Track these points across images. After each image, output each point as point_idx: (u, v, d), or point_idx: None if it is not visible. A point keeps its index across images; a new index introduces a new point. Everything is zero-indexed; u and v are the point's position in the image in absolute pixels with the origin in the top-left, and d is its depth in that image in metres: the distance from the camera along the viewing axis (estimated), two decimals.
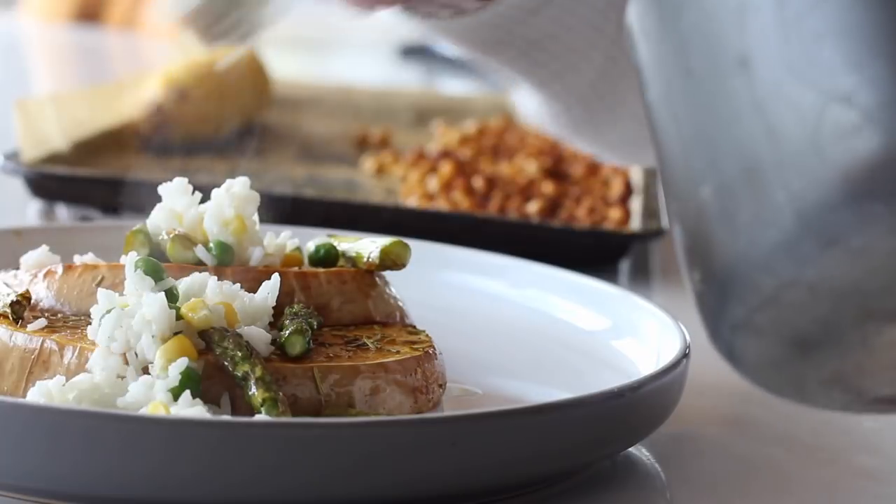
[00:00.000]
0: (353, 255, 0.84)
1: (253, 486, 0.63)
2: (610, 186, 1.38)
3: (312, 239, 0.87)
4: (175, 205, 0.82)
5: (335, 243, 0.86)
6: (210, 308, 0.73)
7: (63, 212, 1.22)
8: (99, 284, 0.78)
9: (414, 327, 0.84)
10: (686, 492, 0.76)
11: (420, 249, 0.93)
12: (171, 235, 0.80)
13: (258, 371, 0.70)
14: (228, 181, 0.83)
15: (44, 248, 0.84)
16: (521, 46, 1.02)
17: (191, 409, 0.67)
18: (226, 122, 1.53)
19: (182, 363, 0.69)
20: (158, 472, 0.62)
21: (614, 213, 1.27)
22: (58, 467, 0.63)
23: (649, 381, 0.73)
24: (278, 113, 1.69)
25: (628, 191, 1.36)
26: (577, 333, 0.92)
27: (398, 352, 0.78)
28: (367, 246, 0.84)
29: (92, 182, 1.21)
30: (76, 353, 0.72)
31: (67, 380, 0.69)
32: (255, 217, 0.83)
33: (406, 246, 0.84)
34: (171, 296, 0.74)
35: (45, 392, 0.69)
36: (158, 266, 0.76)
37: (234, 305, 0.75)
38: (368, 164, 1.47)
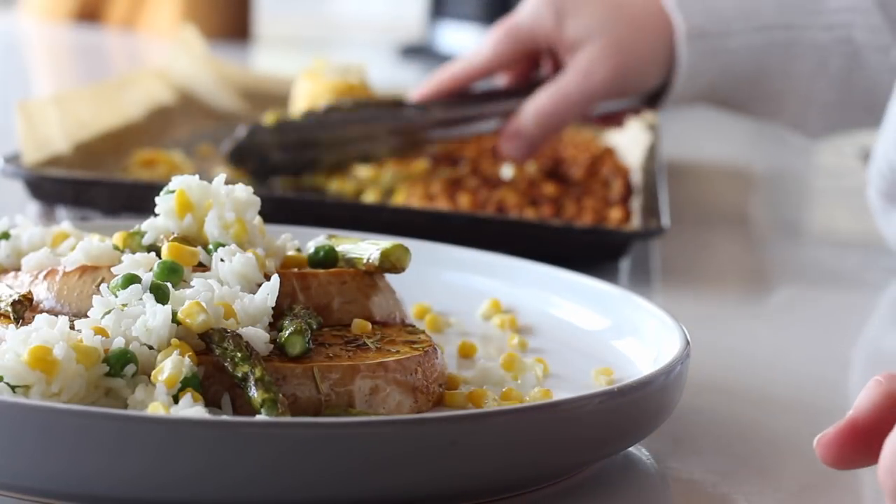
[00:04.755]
0: (353, 257, 0.84)
1: (253, 486, 0.63)
2: (610, 187, 1.38)
3: (312, 239, 0.87)
4: (174, 208, 0.82)
5: (335, 245, 0.86)
6: (208, 310, 0.73)
7: (63, 214, 1.22)
8: (99, 286, 0.78)
9: (414, 327, 0.84)
10: (686, 492, 0.76)
11: (420, 249, 0.93)
12: (170, 239, 0.80)
13: (258, 372, 0.70)
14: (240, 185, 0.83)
15: (45, 249, 0.84)
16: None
17: (190, 409, 0.67)
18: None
19: (181, 371, 0.69)
20: (158, 473, 0.62)
21: (615, 214, 1.27)
22: (56, 466, 0.63)
23: (649, 381, 0.73)
24: None
25: (628, 191, 1.36)
26: (577, 333, 0.92)
27: (398, 351, 0.78)
28: (366, 248, 0.85)
29: (91, 185, 1.22)
30: None
31: None
32: (257, 220, 0.83)
33: (406, 249, 0.84)
34: (164, 296, 0.74)
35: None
36: (178, 267, 0.76)
37: (233, 306, 0.75)
38: None
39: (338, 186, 1.39)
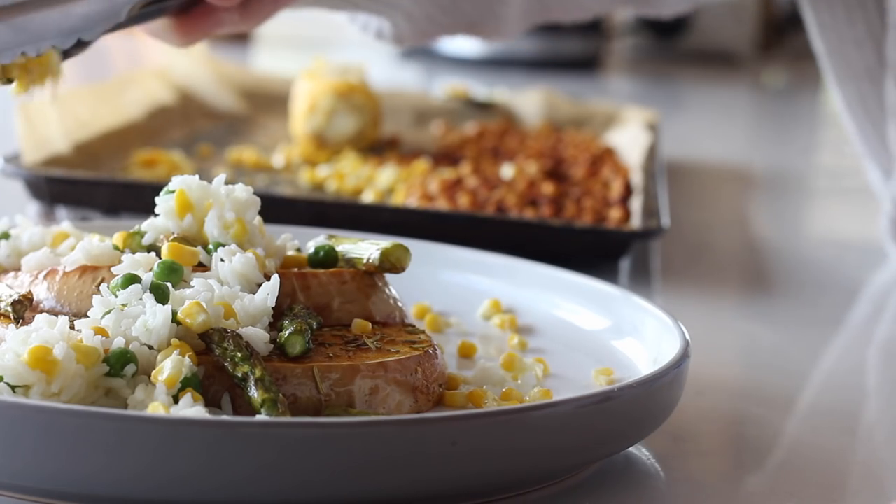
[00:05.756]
0: (353, 257, 0.84)
1: (253, 486, 0.63)
2: (610, 187, 1.38)
3: (312, 239, 0.87)
4: (174, 208, 0.82)
5: (335, 245, 0.86)
6: (208, 310, 0.73)
7: (63, 214, 1.22)
8: (99, 286, 0.78)
9: (414, 327, 0.84)
10: (686, 492, 0.76)
11: (420, 249, 0.93)
12: (170, 238, 0.80)
13: (258, 372, 0.70)
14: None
15: (45, 249, 0.84)
16: None
17: (190, 409, 0.67)
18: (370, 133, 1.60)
19: (181, 371, 0.69)
20: (158, 472, 0.62)
21: (615, 213, 1.28)
22: (56, 466, 0.63)
23: (649, 381, 0.73)
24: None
25: (628, 191, 1.36)
26: (577, 333, 0.92)
27: (398, 351, 0.78)
28: (366, 248, 0.85)
29: (91, 184, 1.22)
30: None
31: None
32: (257, 220, 0.83)
33: (406, 249, 0.84)
34: (164, 296, 0.74)
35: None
36: (178, 267, 0.77)
37: (233, 306, 0.75)
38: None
39: (337, 186, 1.39)
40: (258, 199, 0.83)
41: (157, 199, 0.83)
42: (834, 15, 1.24)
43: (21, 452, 0.63)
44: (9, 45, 0.83)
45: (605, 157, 1.55)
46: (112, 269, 0.79)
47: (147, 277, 0.76)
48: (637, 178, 1.40)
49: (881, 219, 1.25)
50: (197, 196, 0.82)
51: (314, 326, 0.78)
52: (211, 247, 0.80)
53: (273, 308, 0.76)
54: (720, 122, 2.55)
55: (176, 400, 0.69)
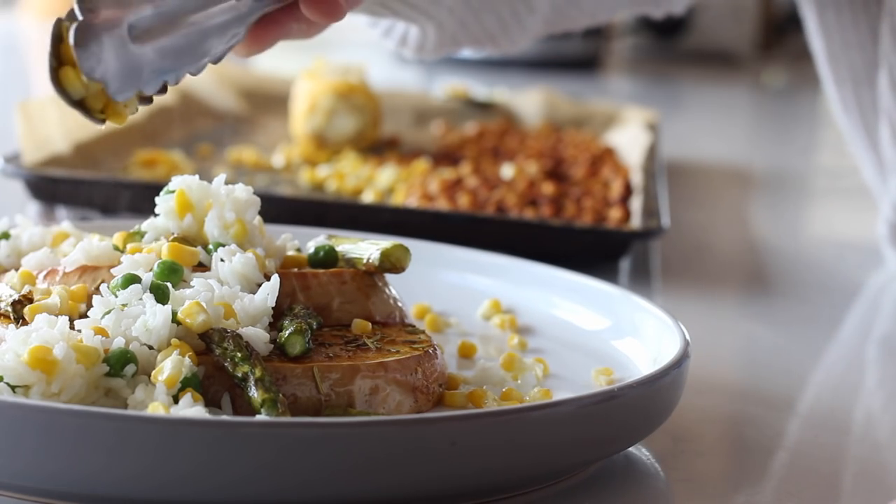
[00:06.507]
0: (353, 257, 0.84)
1: (252, 486, 0.63)
2: (610, 187, 1.38)
3: (312, 240, 0.87)
4: (174, 208, 0.82)
5: (335, 245, 0.86)
6: (208, 310, 0.73)
7: (63, 214, 1.22)
8: (99, 286, 0.78)
9: (414, 327, 0.84)
10: (686, 492, 0.76)
11: (420, 249, 0.93)
12: (170, 239, 0.80)
13: (258, 372, 0.70)
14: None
15: (45, 249, 0.84)
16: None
17: (190, 409, 0.67)
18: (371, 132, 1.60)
19: (181, 371, 0.69)
20: (158, 472, 0.62)
21: (615, 213, 1.28)
22: (56, 466, 0.63)
23: (649, 381, 0.73)
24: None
25: (628, 191, 1.36)
26: (577, 333, 0.92)
27: (398, 351, 0.78)
28: (366, 248, 0.85)
29: (91, 185, 1.22)
30: None
31: None
32: (257, 220, 0.83)
33: (406, 250, 0.84)
34: (164, 296, 0.74)
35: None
36: (178, 267, 0.76)
37: (233, 306, 0.75)
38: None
39: (337, 186, 1.39)
40: (258, 199, 0.83)
41: (157, 199, 0.83)
42: (840, 16, 1.24)
43: (21, 452, 0.63)
44: (155, 73, 0.77)
45: (605, 157, 1.55)
46: (112, 269, 0.79)
47: (147, 277, 0.76)
48: (637, 178, 1.40)
49: (879, 224, 1.25)
50: (197, 196, 0.82)
51: (314, 326, 0.78)
52: (211, 247, 0.81)
53: (273, 308, 0.76)
54: (720, 122, 2.55)
55: (176, 400, 0.69)
